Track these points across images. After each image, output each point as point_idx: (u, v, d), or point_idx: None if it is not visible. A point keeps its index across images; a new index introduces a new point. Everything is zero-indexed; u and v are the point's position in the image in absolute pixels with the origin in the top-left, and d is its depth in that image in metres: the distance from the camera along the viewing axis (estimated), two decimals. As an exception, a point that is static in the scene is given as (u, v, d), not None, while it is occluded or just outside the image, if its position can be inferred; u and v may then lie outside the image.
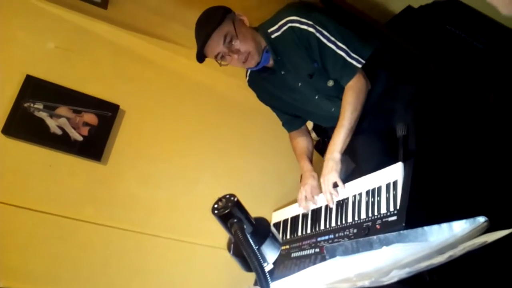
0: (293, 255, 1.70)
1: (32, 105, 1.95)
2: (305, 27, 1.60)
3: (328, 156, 1.59)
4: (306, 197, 1.76)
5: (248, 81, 1.95)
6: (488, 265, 1.06)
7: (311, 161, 1.91)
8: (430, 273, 1.05)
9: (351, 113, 1.58)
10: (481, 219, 0.80)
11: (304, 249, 1.65)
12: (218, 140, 2.35)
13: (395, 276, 0.62)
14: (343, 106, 1.60)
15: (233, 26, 1.61)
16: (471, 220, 0.81)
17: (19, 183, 1.90)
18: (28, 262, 1.82)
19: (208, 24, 1.58)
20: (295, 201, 1.94)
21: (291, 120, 1.99)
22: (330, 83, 1.67)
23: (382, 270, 0.69)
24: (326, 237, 1.57)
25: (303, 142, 1.97)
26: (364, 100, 1.60)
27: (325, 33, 1.58)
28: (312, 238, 1.65)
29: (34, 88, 1.97)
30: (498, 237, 0.69)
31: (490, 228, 0.80)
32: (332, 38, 1.58)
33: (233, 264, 2.20)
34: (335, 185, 1.59)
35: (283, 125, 2.03)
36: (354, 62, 1.58)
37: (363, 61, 1.58)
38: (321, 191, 1.67)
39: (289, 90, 1.79)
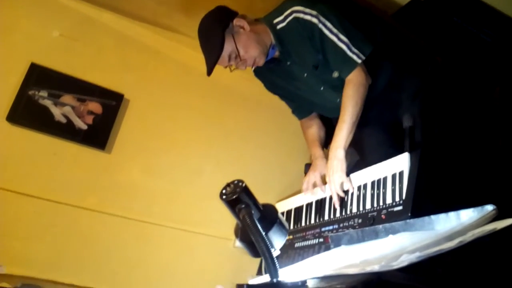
0: (296, 245, 1.70)
1: (36, 93, 1.95)
2: (308, 17, 1.59)
3: (331, 154, 1.58)
4: (315, 182, 1.76)
5: (254, 71, 1.95)
6: (497, 253, 1.07)
7: (322, 147, 1.91)
8: (443, 266, 1.06)
9: (352, 107, 1.57)
10: (489, 207, 0.80)
11: (308, 239, 1.66)
12: (222, 130, 2.35)
13: (405, 260, 0.62)
14: (344, 101, 1.59)
15: (234, 42, 1.63)
16: (479, 208, 0.81)
17: (23, 171, 1.90)
18: (31, 249, 1.84)
19: (210, 51, 1.62)
20: (298, 192, 1.94)
21: (300, 107, 1.98)
22: (335, 74, 1.67)
23: (389, 256, 0.69)
24: (331, 227, 1.57)
25: (314, 129, 1.96)
26: (365, 94, 1.59)
27: (328, 24, 1.58)
28: (316, 228, 1.65)
29: (38, 76, 1.97)
30: (508, 224, 0.69)
31: (498, 216, 0.80)
32: (335, 30, 1.58)
33: (236, 254, 2.24)
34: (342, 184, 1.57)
35: (293, 112, 2.02)
36: (354, 57, 1.58)
37: (363, 57, 1.58)
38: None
39: (295, 80, 1.79)
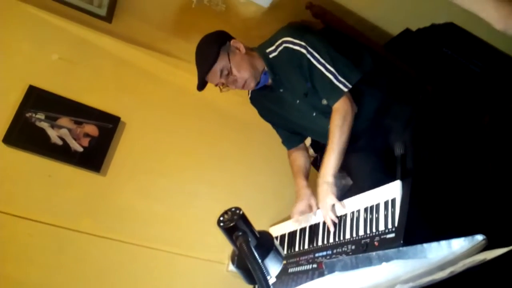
0: (290, 270, 1.70)
1: (33, 115, 1.97)
2: (297, 48, 1.67)
3: (321, 180, 1.61)
4: (302, 210, 1.78)
5: (250, 98, 2.01)
6: (488, 282, 1.09)
7: (307, 178, 1.94)
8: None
9: (339, 136, 1.61)
10: (479, 237, 0.82)
11: (302, 265, 1.66)
12: (217, 154, 2.37)
13: (399, 290, 0.64)
14: (331, 130, 1.64)
15: (228, 59, 1.69)
16: (469, 238, 0.84)
17: (18, 193, 1.91)
18: (25, 271, 1.83)
19: (205, 62, 1.68)
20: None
21: (290, 137, 2.03)
22: (324, 101, 1.72)
23: (383, 285, 0.71)
24: (324, 253, 1.58)
25: (300, 160, 2.00)
26: (352, 122, 1.64)
27: (316, 54, 1.64)
28: (310, 254, 1.66)
29: (36, 98, 2.00)
30: (497, 255, 0.71)
31: (488, 245, 0.82)
32: (322, 60, 1.64)
33: (229, 278, 2.22)
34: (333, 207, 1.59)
35: (283, 142, 2.06)
36: (340, 86, 1.63)
37: (350, 86, 1.63)
38: (315, 207, 1.72)
39: (288, 107, 1.84)
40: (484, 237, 0.82)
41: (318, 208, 1.73)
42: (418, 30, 1.92)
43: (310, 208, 1.80)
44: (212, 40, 1.74)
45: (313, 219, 1.75)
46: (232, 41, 1.74)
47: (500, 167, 1.70)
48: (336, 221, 1.57)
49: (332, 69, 1.63)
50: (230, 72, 1.70)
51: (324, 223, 1.66)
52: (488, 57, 1.90)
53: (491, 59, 1.91)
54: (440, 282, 0.67)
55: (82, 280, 1.90)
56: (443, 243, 0.89)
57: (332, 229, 1.58)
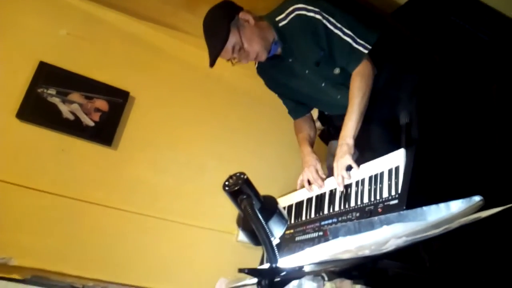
0: (297, 238, 1.75)
1: (45, 90, 2.01)
2: (312, 14, 1.64)
3: (341, 141, 1.61)
4: (313, 177, 1.77)
5: (257, 68, 2.00)
6: (482, 241, 1.11)
7: (312, 146, 1.95)
8: (430, 259, 1.11)
9: (361, 98, 1.61)
10: (477, 198, 0.84)
11: (308, 233, 1.70)
12: (225, 128, 2.40)
13: (393, 244, 0.67)
14: (352, 92, 1.63)
15: (239, 34, 1.67)
16: (467, 199, 0.86)
17: (32, 166, 1.96)
18: (40, 242, 1.90)
19: (216, 40, 1.65)
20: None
21: (297, 107, 2.03)
22: (337, 70, 1.71)
23: (379, 242, 0.74)
24: (330, 221, 1.61)
25: (305, 129, 2.01)
26: (371, 84, 1.63)
27: (332, 19, 1.62)
28: (316, 222, 1.70)
29: (47, 74, 2.03)
30: (491, 214, 0.74)
31: (485, 206, 0.84)
32: (339, 25, 1.62)
33: (238, 248, 2.28)
34: (349, 168, 1.59)
35: (289, 112, 2.07)
36: (360, 48, 1.61)
37: (370, 47, 1.61)
38: (324, 173, 1.72)
39: (297, 77, 1.83)
40: (481, 198, 0.84)
41: (326, 175, 1.75)
42: (426, -2, 1.89)
43: (317, 173, 1.79)
44: (220, 15, 1.71)
45: (316, 190, 1.77)
46: (240, 14, 1.71)
47: (507, 135, 1.70)
48: (349, 179, 1.57)
49: (349, 32, 1.61)
50: (242, 47, 1.68)
51: (331, 192, 1.69)
52: (496, 24, 1.87)
53: (499, 27, 1.88)
54: (436, 240, 0.69)
55: (95, 249, 1.98)
56: (442, 205, 0.91)
57: (341, 188, 1.60)
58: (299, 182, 1.85)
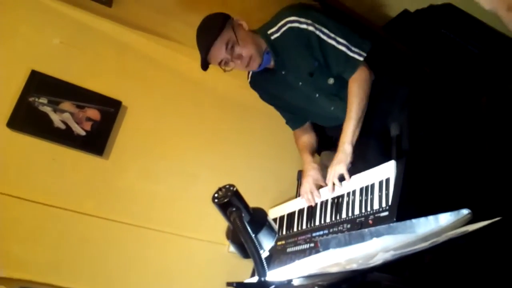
0: (288, 250, 1.75)
1: (36, 99, 1.99)
2: (304, 26, 1.65)
3: (339, 148, 1.63)
4: (310, 188, 1.77)
5: (250, 82, 2.01)
6: (471, 254, 1.12)
7: (313, 154, 1.95)
8: (421, 267, 1.11)
9: (358, 104, 1.62)
10: (465, 211, 0.85)
11: (300, 244, 1.70)
12: (218, 138, 2.39)
13: (381, 258, 0.67)
14: (350, 98, 1.64)
15: (234, 32, 1.66)
16: (455, 212, 0.87)
17: (22, 176, 1.94)
18: (30, 252, 1.86)
19: (209, 33, 1.64)
20: (291, 198, 1.99)
21: (294, 117, 2.03)
22: (331, 81, 1.72)
23: (371, 254, 0.74)
24: (321, 232, 1.62)
25: (306, 138, 2.01)
26: (369, 90, 1.65)
27: (325, 30, 1.63)
28: (307, 234, 1.70)
29: (39, 83, 2.02)
30: (479, 227, 0.74)
31: (473, 219, 0.85)
32: (332, 35, 1.63)
33: (230, 259, 2.26)
34: (341, 177, 1.61)
35: (287, 123, 2.07)
36: (356, 56, 1.63)
37: (365, 54, 1.63)
38: (323, 181, 1.72)
39: (290, 89, 1.84)
40: (469, 211, 0.84)
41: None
42: (417, 11, 1.92)
43: (313, 184, 1.79)
44: (215, 15, 1.72)
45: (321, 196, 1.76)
46: (235, 18, 1.73)
47: (496, 148, 1.72)
48: (340, 187, 1.59)
49: (343, 41, 1.62)
50: (237, 42, 1.66)
51: (322, 204, 1.69)
52: (486, 38, 1.90)
53: (489, 40, 1.91)
54: (421, 251, 0.70)
55: (86, 261, 1.95)
56: (431, 218, 0.92)
57: (330, 194, 1.62)
58: (304, 196, 1.83)
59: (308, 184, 1.79)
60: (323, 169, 1.81)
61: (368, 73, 1.66)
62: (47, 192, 1.95)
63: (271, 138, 2.47)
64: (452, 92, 1.88)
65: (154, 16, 2.26)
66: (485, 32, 1.88)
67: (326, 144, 2.04)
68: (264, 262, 0.84)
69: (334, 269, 0.76)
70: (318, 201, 1.74)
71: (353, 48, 1.63)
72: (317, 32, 1.64)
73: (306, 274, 0.86)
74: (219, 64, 1.71)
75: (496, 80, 1.94)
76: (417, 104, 1.73)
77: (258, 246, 0.85)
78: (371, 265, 0.68)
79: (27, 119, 1.97)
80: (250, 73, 1.98)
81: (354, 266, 0.69)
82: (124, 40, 2.26)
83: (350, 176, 1.58)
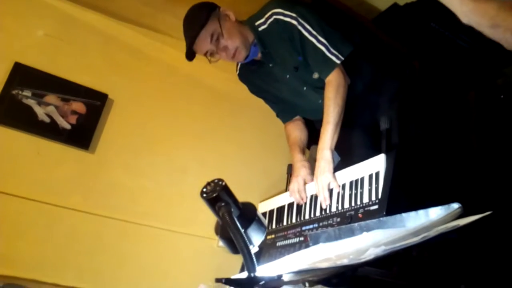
0: (278, 244, 1.74)
1: (20, 92, 1.95)
2: (288, 19, 1.64)
3: (319, 155, 1.61)
4: (298, 189, 1.75)
5: (239, 74, 1.99)
6: (462, 248, 1.12)
7: (303, 151, 1.94)
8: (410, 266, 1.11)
9: (334, 108, 1.60)
10: (455, 206, 0.85)
11: (289, 238, 1.70)
12: (206, 131, 2.37)
13: (372, 254, 0.66)
14: (325, 103, 1.63)
15: (219, 24, 1.65)
16: (446, 206, 0.86)
17: (6, 170, 1.90)
18: (14, 248, 1.83)
19: (195, 24, 1.63)
20: (281, 192, 1.98)
21: (284, 110, 2.01)
22: (315, 75, 1.71)
23: (362, 249, 0.74)
24: (311, 226, 1.61)
25: (296, 133, 1.98)
26: (345, 94, 1.63)
27: (307, 26, 1.62)
28: (297, 228, 1.69)
29: (22, 75, 1.97)
30: (469, 221, 0.74)
31: (464, 214, 0.84)
32: (314, 32, 1.62)
33: (219, 253, 2.25)
34: (329, 186, 1.58)
35: (277, 115, 2.05)
36: (333, 58, 1.62)
37: (342, 58, 1.62)
38: (312, 179, 1.70)
39: (278, 82, 1.83)
40: (460, 205, 0.84)
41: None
42: (406, 4, 1.91)
43: (303, 184, 1.76)
44: (201, 6, 1.70)
45: (305, 200, 1.74)
46: (222, 9, 1.71)
47: (484, 142, 1.73)
48: (328, 201, 1.56)
49: (324, 41, 1.61)
50: (221, 34, 1.64)
51: (311, 197, 1.69)
52: (475, 32, 1.90)
53: (478, 35, 1.91)
54: (412, 246, 0.69)
55: (72, 256, 1.92)
56: (421, 212, 0.91)
57: (324, 206, 1.58)
58: (289, 191, 1.81)
59: (297, 183, 1.77)
60: (312, 162, 1.80)
61: (343, 77, 1.64)
62: (31, 187, 1.92)
63: (260, 132, 2.46)
64: (441, 86, 1.88)
65: (141, 7, 2.21)
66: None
67: (314, 137, 2.02)
68: (254, 258, 0.82)
69: (325, 265, 0.75)
70: (307, 200, 1.73)
71: (332, 49, 1.61)
72: (299, 27, 1.63)
73: (296, 269, 0.85)
74: (205, 54, 1.70)
75: (484, 74, 1.95)
76: (407, 98, 1.73)
77: (247, 241, 0.84)
78: (362, 260, 0.67)
79: (10, 112, 1.93)
80: (239, 65, 1.96)
81: (345, 261, 0.68)
82: (110, 32, 2.22)
83: (338, 184, 1.56)
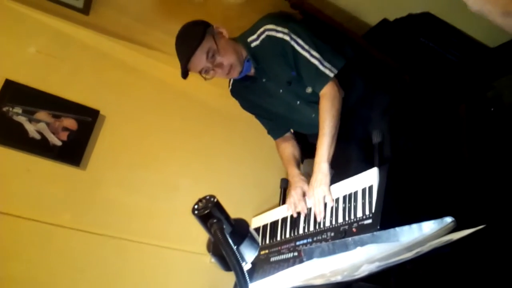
0: (272, 259, 1.72)
1: (11, 109, 1.93)
2: (280, 35, 1.65)
3: (316, 168, 1.60)
4: (299, 200, 1.73)
5: (231, 90, 2.00)
6: (456, 262, 1.11)
7: (298, 166, 1.93)
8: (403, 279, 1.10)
9: (330, 121, 1.61)
10: (448, 219, 0.84)
11: (283, 253, 1.68)
12: (198, 146, 2.36)
13: (366, 270, 0.65)
14: (321, 116, 1.63)
15: (214, 41, 1.65)
16: (439, 220, 0.86)
17: (-4, 188, 1.87)
18: (5, 267, 1.79)
19: (190, 42, 1.63)
20: (274, 207, 1.97)
21: (276, 126, 2.02)
22: (309, 89, 1.72)
23: (355, 266, 0.73)
24: (305, 241, 1.60)
25: (289, 149, 1.99)
26: (340, 106, 1.64)
27: (300, 41, 1.64)
28: (291, 242, 1.68)
29: (13, 92, 1.96)
30: (463, 235, 0.73)
31: (457, 227, 0.84)
32: (306, 47, 1.63)
33: (212, 269, 2.23)
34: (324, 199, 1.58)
35: (268, 132, 2.05)
36: (326, 71, 1.63)
37: (336, 71, 1.63)
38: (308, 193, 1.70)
39: (271, 97, 1.83)
40: (453, 219, 0.84)
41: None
42: (396, 20, 1.94)
43: (301, 196, 1.75)
44: (195, 23, 1.71)
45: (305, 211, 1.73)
46: (215, 26, 1.72)
47: (475, 154, 1.74)
48: (323, 214, 1.56)
49: (317, 55, 1.62)
50: (217, 51, 1.65)
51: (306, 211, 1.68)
52: (464, 46, 1.93)
53: (467, 49, 1.94)
54: (406, 262, 0.68)
55: (64, 274, 1.88)
56: (414, 226, 0.91)
57: (318, 219, 1.58)
58: (287, 204, 1.80)
59: (296, 195, 1.75)
60: (307, 177, 1.79)
61: (337, 90, 1.65)
62: (21, 205, 1.89)
63: (252, 147, 2.45)
64: (432, 99, 1.90)
65: (133, 24, 2.22)
66: (463, 40, 1.91)
67: (308, 151, 2.02)
68: (246, 275, 0.81)
69: (319, 281, 0.74)
70: (307, 211, 1.71)
71: (325, 63, 1.63)
72: (292, 42, 1.64)
73: (290, 287, 0.84)
74: (200, 72, 1.70)
75: (474, 88, 1.97)
76: (398, 111, 1.74)
77: (239, 258, 0.82)
78: (356, 277, 0.66)
79: (1, 130, 1.90)
80: (231, 80, 1.97)
81: (339, 278, 0.67)
82: (102, 49, 2.22)
83: (332, 199, 1.55)
